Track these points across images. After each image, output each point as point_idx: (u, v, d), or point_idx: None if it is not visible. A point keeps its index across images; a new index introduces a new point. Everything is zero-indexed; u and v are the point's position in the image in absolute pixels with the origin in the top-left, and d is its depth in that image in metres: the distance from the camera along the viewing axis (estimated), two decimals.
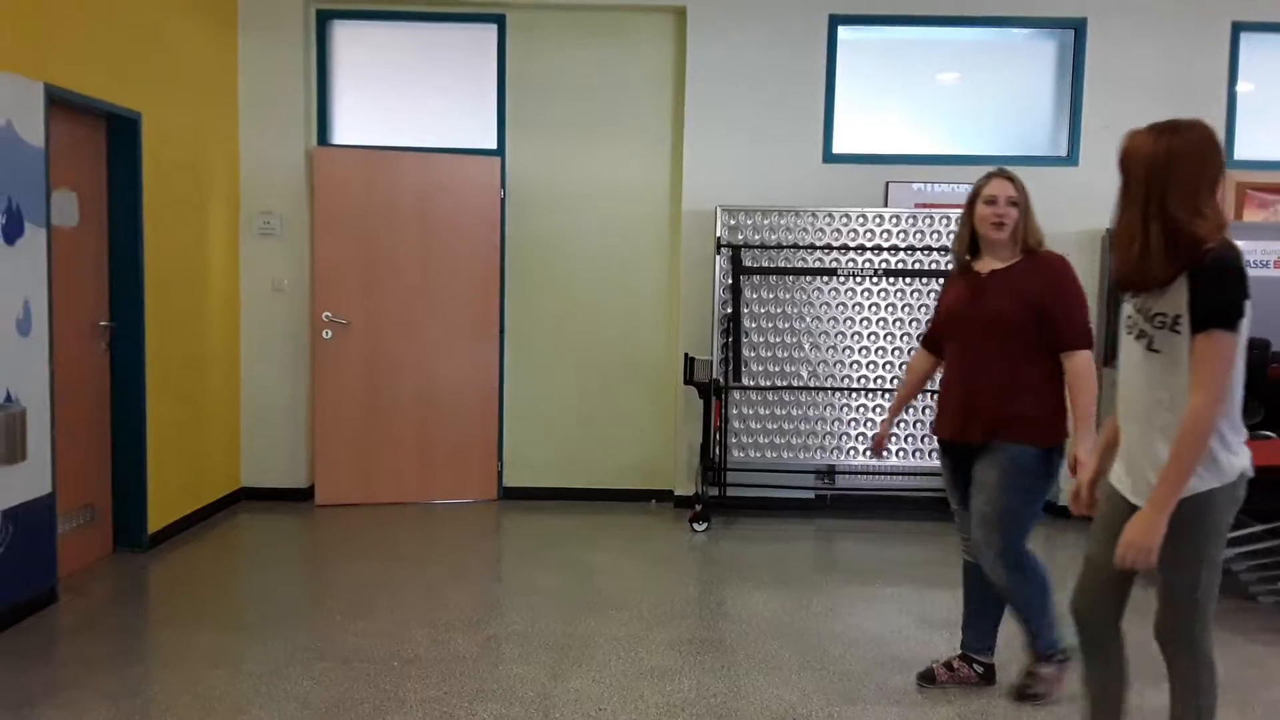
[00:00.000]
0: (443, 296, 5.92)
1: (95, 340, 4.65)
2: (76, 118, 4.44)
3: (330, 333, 5.80)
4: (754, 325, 5.62)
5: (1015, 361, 3.09)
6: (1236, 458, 2.29)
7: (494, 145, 6.04)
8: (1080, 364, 3.07)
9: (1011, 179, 3.19)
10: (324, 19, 5.97)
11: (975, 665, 3.44)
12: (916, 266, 5.59)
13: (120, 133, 4.70)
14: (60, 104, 4.20)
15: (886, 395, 5.62)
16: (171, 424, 5.08)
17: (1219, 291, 2.18)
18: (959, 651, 3.48)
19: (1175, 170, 2.23)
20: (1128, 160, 2.31)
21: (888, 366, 5.62)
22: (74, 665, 3.51)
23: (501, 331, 6.06)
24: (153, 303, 4.86)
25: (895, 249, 5.58)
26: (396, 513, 5.72)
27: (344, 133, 6.09)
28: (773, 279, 5.60)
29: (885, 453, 5.63)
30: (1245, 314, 2.20)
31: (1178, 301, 2.23)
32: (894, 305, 5.61)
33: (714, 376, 5.60)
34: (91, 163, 4.60)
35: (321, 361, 5.81)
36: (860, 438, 5.64)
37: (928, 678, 3.45)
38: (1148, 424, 2.33)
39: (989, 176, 3.21)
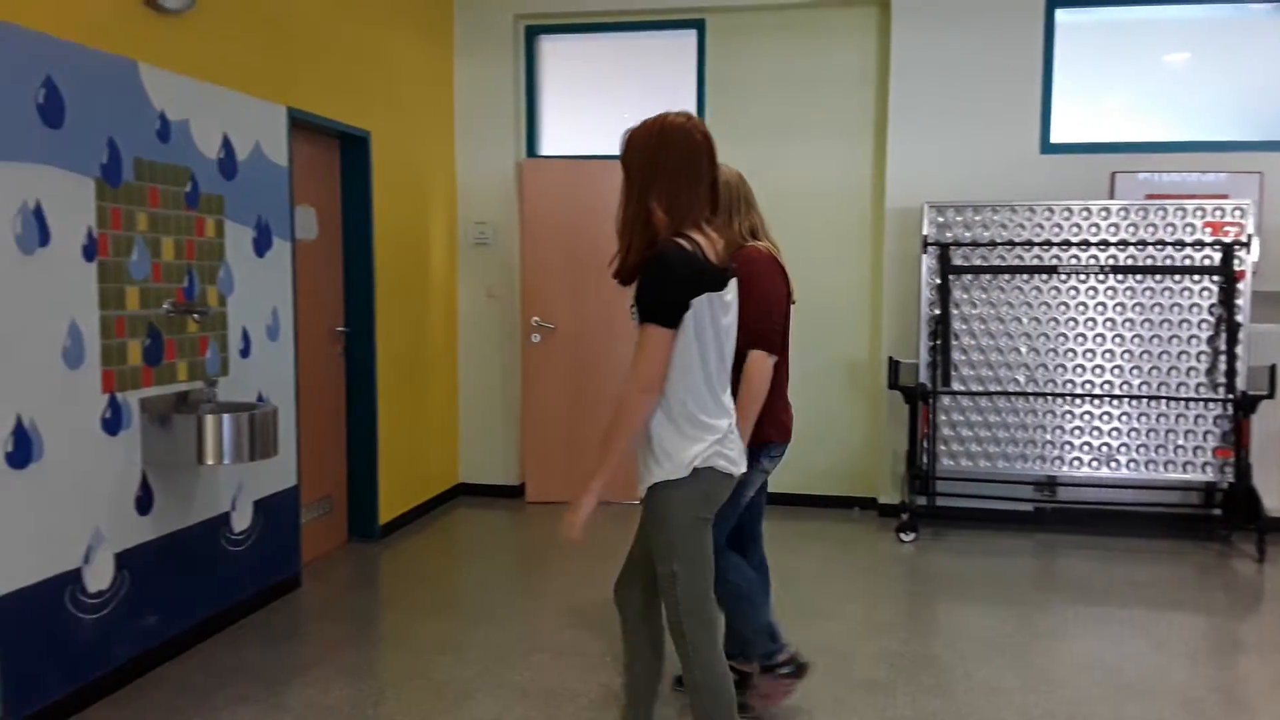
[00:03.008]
0: None
1: (333, 344, 5.02)
2: (314, 138, 4.80)
3: (539, 336, 6.01)
4: (964, 327, 5.38)
5: None
6: (690, 451, 2.28)
7: None
8: (750, 364, 2.88)
9: None
10: (532, 34, 6.20)
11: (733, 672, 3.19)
12: (1148, 262, 5.19)
13: (352, 151, 5.05)
14: (300, 125, 4.55)
15: (1114, 401, 5.25)
16: (399, 423, 5.41)
17: (650, 288, 2.22)
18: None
19: (651, 166, 2.30)
20: (624, 155, 2.38)
21: (1116, 370, 5.25)
22: (318, 646, 3.80)
23: None
24: (382, 309, 5.20)
25: (1124, 244, 5.20)
26: (600, 511, 5.83)
27: (550, 143, 6.29)
28: (985, 278, 5.34)
29: (1115, 463, 5.25)
30: (685, 310, 2.22)
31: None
32: (1123, 304, 5.23)
33: (921, 381, 5.40)
34: (327, 180, 4.97)
35: (530, 364, 6.03)
36: (1085, 447, 5.29)
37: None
38: None
39: None
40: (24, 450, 2.93)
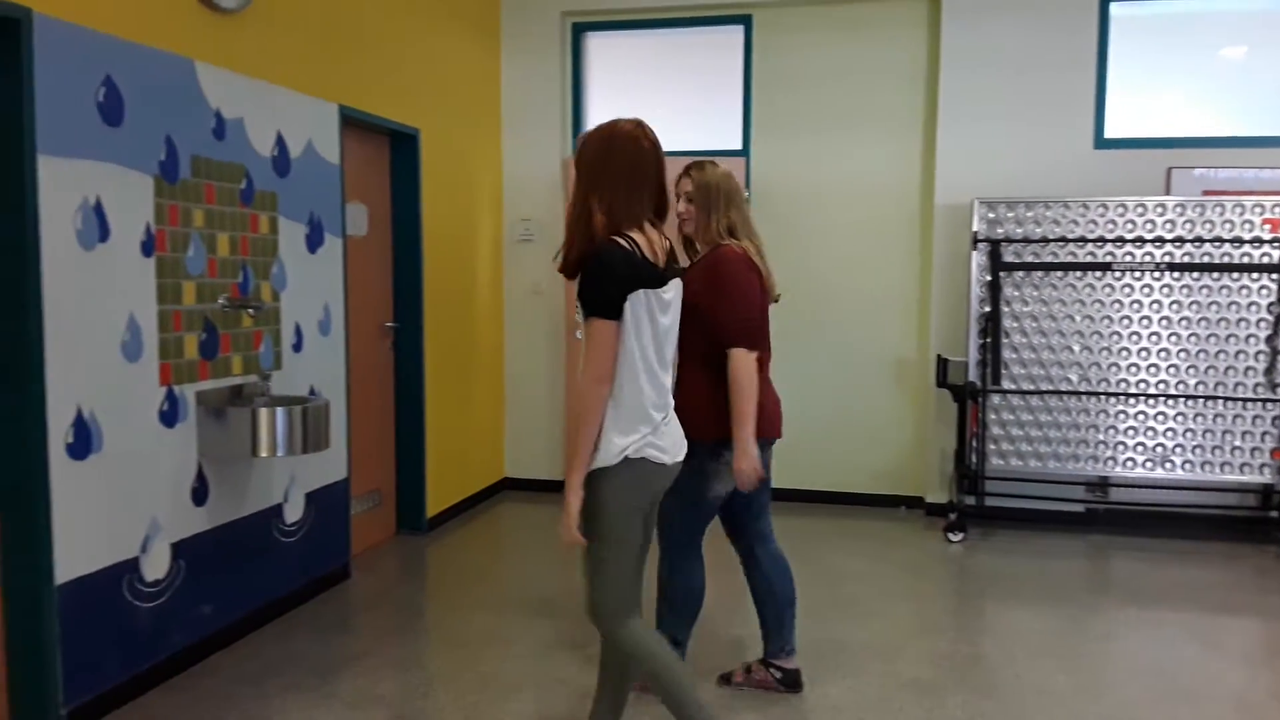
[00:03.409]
0: None
1: (382, 340, 5.08)
2: (364, 136, 4.85)
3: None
4: (1015, 325, 5.30)
5: (681, 358, 2.87)
6: (621, 442, 2.38)
7: (739, 146, 6.06)
8: (733, 362, 2.96)
9: (690, 174, 3.13)
10: (579, 31, 6.21)
11: (773, 670, 3.31)
12: (1205, 260, 5.07)
13: (402, 149, 5.10)
14: (351, 123, 4.60)
15: (1169, 401, 5.14)
16: (446, 417, 5.46)
17: (590, 284, 2.36)
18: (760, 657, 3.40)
19: (597, 169, 2.40)
20: (576, 156, 2.46)
21: (1171, 370, 5.14)
22: (367, 637, 3.85)
23: None
24: (430, 305, 5.24)
25: (1180, 241, 5.09)
26: None
27: None
28: (1037, 276, 5.25)
29: (1169, 464, 5.15)
30: (623, 303, 2.33)
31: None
32: (1179, 303, 5.12)
33: (970, 379, 5.33)
34: (377, 177, 5.02)
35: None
36: (1139, 447, 5.19)
37: (726, 678, 3.39)
38: None
39: (681, 171, 3.14)
40: (84, 441, 3.00)
